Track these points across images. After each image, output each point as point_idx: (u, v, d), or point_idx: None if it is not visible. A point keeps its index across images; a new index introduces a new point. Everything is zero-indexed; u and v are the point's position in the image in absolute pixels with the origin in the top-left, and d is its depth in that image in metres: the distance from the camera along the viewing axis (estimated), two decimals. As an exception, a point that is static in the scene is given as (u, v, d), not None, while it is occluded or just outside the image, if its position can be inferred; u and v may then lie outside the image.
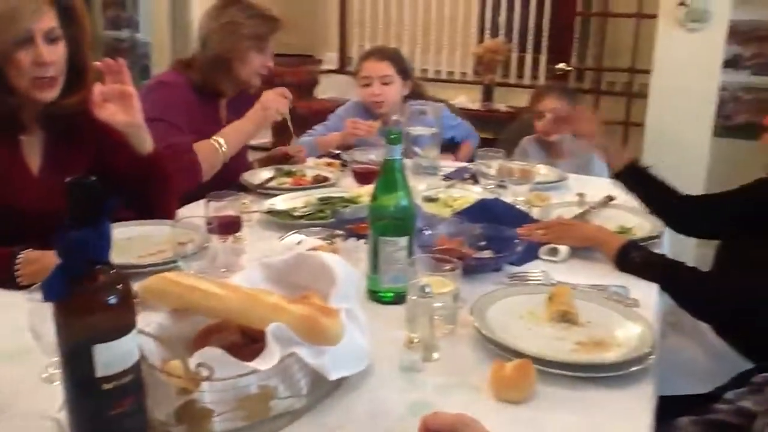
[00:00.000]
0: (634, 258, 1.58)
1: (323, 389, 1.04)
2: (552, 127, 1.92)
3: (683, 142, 3.08)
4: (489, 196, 2.00)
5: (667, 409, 1.38)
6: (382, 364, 1.15)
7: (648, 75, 3.31)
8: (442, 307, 1.25)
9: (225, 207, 1.50)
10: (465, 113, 3.52)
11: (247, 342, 1.06)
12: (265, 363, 0.94)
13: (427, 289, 1.17)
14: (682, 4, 2.93)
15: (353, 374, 1.07)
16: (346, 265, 1.16)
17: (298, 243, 1.61)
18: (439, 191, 2.11)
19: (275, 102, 2.22)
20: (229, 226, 1.49)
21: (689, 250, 2.93)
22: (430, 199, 2.05)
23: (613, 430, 1.03)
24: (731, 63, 3.62)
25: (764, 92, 3.72)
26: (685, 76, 3.04)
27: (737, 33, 3.60)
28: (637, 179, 1.93)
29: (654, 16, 3.14)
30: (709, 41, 2.99)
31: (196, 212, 1.64)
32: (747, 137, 3.66)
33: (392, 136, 1.32)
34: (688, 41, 2.99)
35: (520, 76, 4.95)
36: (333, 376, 1.00)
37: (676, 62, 3.03)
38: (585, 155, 2.79)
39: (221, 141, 2.14)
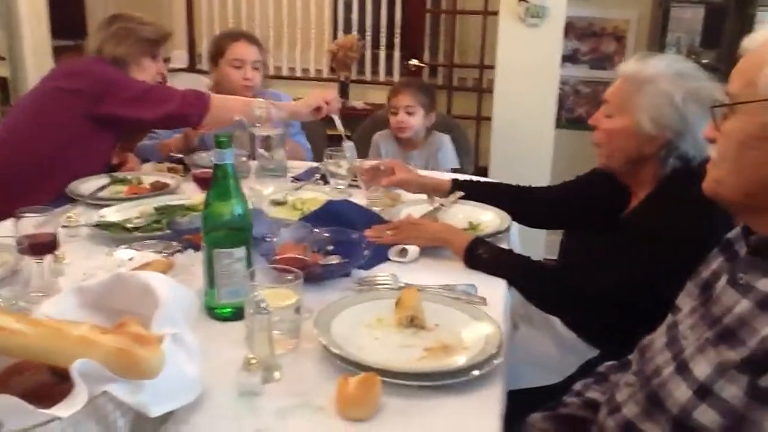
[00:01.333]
0: (482, 255, 1.57)
1: (147, 428, 0.93)
2: (369, 179, 1.89)
3: (528, 134, 3.18)
4: (339, 197, 1.94)
5: (520, 403, 1.37)
6: (219, 391, 1.06)
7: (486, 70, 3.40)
8: (283, 320, 1.17)
9: (38, 223, 1.34)
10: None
11: (58, 381, 0.93)
12: (68, 407, 0.81)
13: (263, 304, 1.08)
14: (522, 0, 3.01)
15: (182, 407, 0.97)
16: (173, 284, 1.05)
17: (130, 259, 1.47)
18: (287, 194, 2.03)
19: (334, 102, 2.38)
20: (42, 246, 1.33)
21: (540, 238, 3.03)
22: (278, 203, 1.96)
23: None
24: (570, 58, 3.80)
25: (602, 85, 3.93)
26: (527, 71, 3.13)
27: (575, 29, 3.78)
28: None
29: (497, 13, 3.22)
30: (548, 37, 3.10)
31: (9, 230, 1.46)
32: (587, 128, 3.86)
33: (221, 140, 1.21)
34: (529, 37, 3.08)
35: (375, 72, 4.95)
36: (155, 413, 0.90)
37: (518, 57, 3.12)
38: (435, 145, 2.82)
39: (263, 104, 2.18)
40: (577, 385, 1.39)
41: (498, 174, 3.03)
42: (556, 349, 1.74)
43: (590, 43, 3.94)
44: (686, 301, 1.19)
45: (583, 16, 3.74)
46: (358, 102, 4.74)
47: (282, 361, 1.12)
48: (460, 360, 1.13)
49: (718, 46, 3.76)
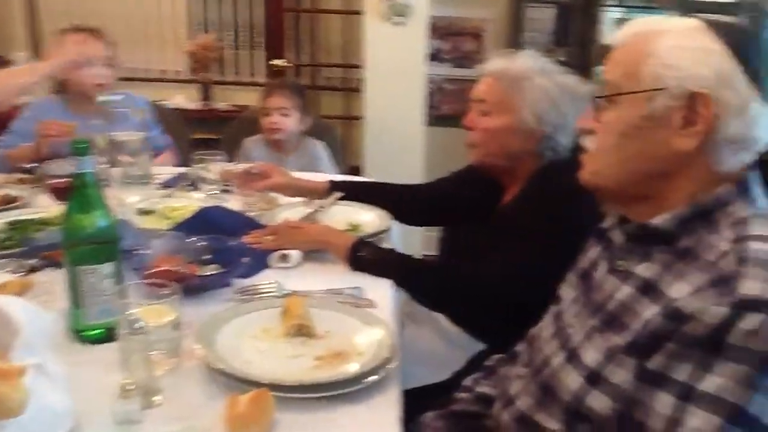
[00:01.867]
0: (365, 256, 1.54)
1: (10, 473, 0.82)
2: (243, 184, 1.81)
3: (399, 133, 3.19)
4: (211, 203, 1.84)
5: (411, 403, 1.35)
6: (93, 422, 0.96)
7: (361, 70, 3.39)
8: (161, 339, 1.08)
9: None
10: (184, 114, 3.29)
11: None
12: None
13: (138, 323, 0.99)
14: (386, -1, 3.02)
15: (51, 445, 0.86)
16: (30, 307, 0.94)
17: (-23, 282, 1.32)
18: (155, 202, 1.90)
19: None
20: None
21: (416, 235, 3.06)
22: (145, 212, 1.83)
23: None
24: (434, 57, 3.87)
25: (465, 83, 4.04)
26: (395, 70, 3.14)
27: (438, 28, 3.85)
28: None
29: (359, 12, 3.21)
30: (413, 35, 3.12)
31: None
32: (455, 125, 3.95)
33: (79, 146, 1.10)
34: (394, 35, 3.09)
35: (238, 73, 4.82)
36: (20, 456, 0.79)
37: (385, 56, 3.12)
38: (309, 151, 2.76)
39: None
40: (467, 381, 1.40)
41: (371, 173, 3.02)
42: (442, 346, 1.75)
43: (452, 42, 4.03)
44: (568, 290, 1.22)
45: (445, 16, 3.82)
46: (223, 103, 4.60)
47: (162, 384, 1.03)
48: (353, 367, 1.09)
49: (568, 44, 3.97)
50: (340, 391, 1.02)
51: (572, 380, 1.02)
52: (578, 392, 1.01)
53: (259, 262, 1.51)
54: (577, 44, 3.92)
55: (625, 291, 1.03)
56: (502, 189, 1.77)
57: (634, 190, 1.03)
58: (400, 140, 3.17)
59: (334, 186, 1.96)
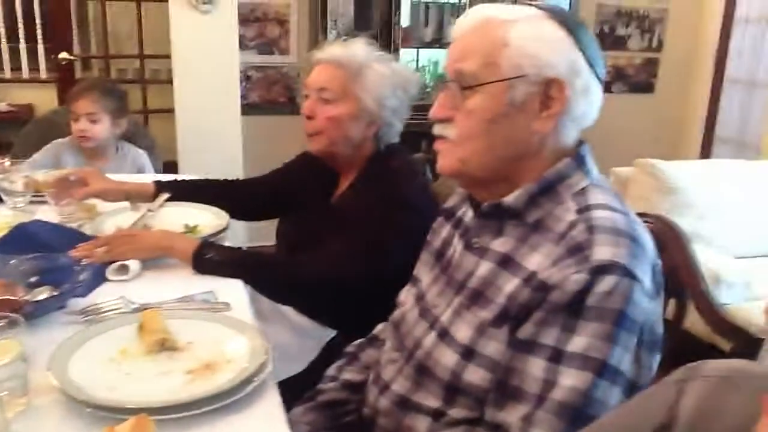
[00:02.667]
0: (212, 258, 1.48)
1: None
2: (59, 193, 1.64)
3: (215, 124, 3.08)
4: (24, 218, 1.66)
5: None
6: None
7: (161, 60, 3.22)
8: (8, 378, 0.96)
9: None
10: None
11: None
12: None
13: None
14: (191, -14, 2.89)
15: None
16: None
17: None
18: (-47, 222, 1.67)
19: None
20: None
21: (242, 230, 2.99)
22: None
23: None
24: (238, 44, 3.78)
25: (270, 69, 4.00)
26: (206, 59, 3.02)
27: (239, 14, 3.76)
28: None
29: (161, 0, 3.04)
30: (222, 22, 3.02)
31: None
32: (266, 113, 3.90)
33: None
34: (203, 23, 2.97)
35: (18, 69, 4.36)
36: None
37: (195, 45, 2.99)
38: (130, 158, 2.57)
39: None
40: (331, 370, 1.40)
41: (189, 168, 2.89)
42: (293, 338, 1.74)
43: (255, 28, 3.96)
44: (424, 271, 1.26)
45: (246, 2, 3.73)
46: (1, 103, 4.16)
47: (16, 427, 0.92)
48: (227, 376, 1.04)
49: (370, 28, 4.07)
50: (224, 402, 0.98)
51: (448, 358, 1.06)
52: (455, 368, 1.05)
53: (97, 276, 1.39)
54: (379, 28, 4.03)
55: (484, 267, 1.08)
56: (337, 176, 1.78)
57: (495, 173, 1.08)
58: (216, 132, 3.07)
59: (161, 187, 1.85)
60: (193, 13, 2.91)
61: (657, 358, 1.01)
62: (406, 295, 1.28)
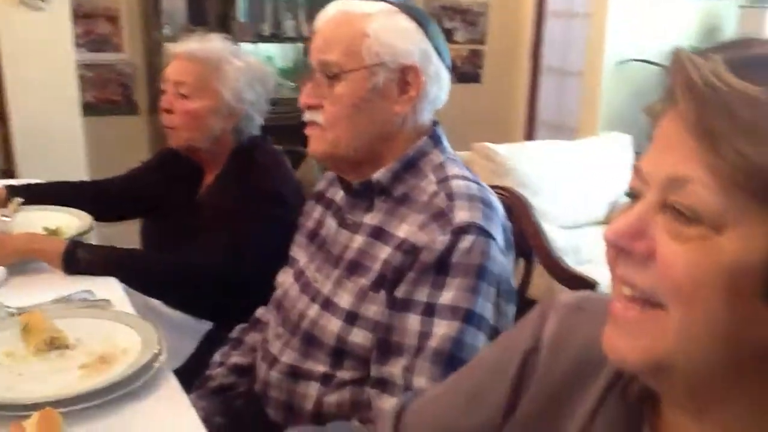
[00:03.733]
0: (83, 258, 1.47)
1: None
2: None
3: (55, 127, 2.93)
4: None
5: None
6: None
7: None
8: None
9: None
10: None
11: None
12: None
13: None
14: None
15: None
16: None
17: None
18: None
19: None
20: None
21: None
22: None
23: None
24: (69, 42, 3.61)
25: (103, 67, 3.85)
26: (40, 59, 2.86)
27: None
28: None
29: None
30: (55, 20, 2.87)
31: None
32: (105, 114, 3.75)
33: None
34: (35, 22, 2.81)
35: None
36: None
37: (26, 45, 2.82)
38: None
39: None
40: (217, 357, 1.45)
41: (29, 174, 2.73)
42: (168, 334, 1.74)
43: (84, 25, 3.79)
44: (300, 251, 1.35)
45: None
46: None
47: None
48: (125, 365, 1.08)
49: (207, 23, 4.03)
50: (125, 391, 1.01)
51: (333, 324, 1.17)
52: (340, 333, 1.15)
53: (-39, 286, 1.34)
54: (215, 22, 4.00)
55: (359, 240, 1.20)
56: (201, 171, 1.82)
57: (363, 153, 1.19)
58: (56, 135, 2.92)
59: (13, 191, 1.79)
60: (23, 12, 2.76)
61: (512, 308, 1.17)
62: (285, 277, 1.36)
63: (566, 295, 0.79)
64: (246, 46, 4.02)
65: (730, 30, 4.03)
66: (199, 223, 1.66)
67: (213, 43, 1.71)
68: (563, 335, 0.74)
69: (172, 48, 1.73)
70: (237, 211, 1.60)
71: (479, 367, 0.82)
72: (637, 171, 0.59)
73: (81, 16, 3.77)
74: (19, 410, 0.94)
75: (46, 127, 2.89)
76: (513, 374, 0.76)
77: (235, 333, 1.47)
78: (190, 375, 1.45)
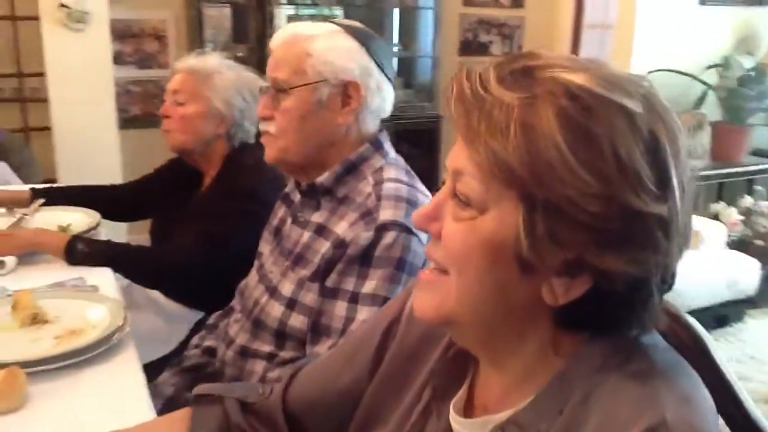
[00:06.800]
0: (82, 249, 1.66)
1: None
2: None
3: (93, 139, 3.18)
4: None
5: (149, 373, 1.54)
6: None
7: (40, 78, 3.28)
8: None
9: None
10: None
11: None
12: None
13: None
14: (63, 6, 2.99)
15: None
16: None
17: None
18: None
19: None
20: None
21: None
22: None
23: (113, 392, 1.14)
24: (116, 60, 3.90)
25: (149, 83, 4.13)
26: (80, 76, 3.12)
27: (115, 31, 3.88)
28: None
29: (35, 18, 3.13)
30: (95, 40, 3.13)
31: None
32: (147, 126, 4.02)
33: None
34: (76, 42, 3.08)
35: None
36: None
37: (68, 63, 3.09)
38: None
39: None
40: (194, 340, 1.62)
41: (69, 182, 2.98)
42: (163, 323, 1.92)
43: (132, 44, 4.08)
44: (265, 246, 1.51)
45: (121, 18, 3.85)
46: None
47: None
48: (92, 336, 1.25)
49: (247, 41, 4.27)
50: (88, 355, 1.18)
51: (276, 310, 1.31)
52: (281, 317, 1.30)
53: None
54: (254, 41, 4.24)
55: (306, 236, 1.34)
56: (202, 176, 2.00)
57: (310, 159, 1.34)
58: (93, 147, 3.18)
59: (36, 193, 2.01)
60: (65, 32, 3.03)
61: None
62: (253, 269, 1.52)
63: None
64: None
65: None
66: (190, 223, 1.83)
67: (209, 58, 1.90)
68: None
69: (176, 64, 1.93)
70: (213, 210, 1.77)
71: (358, 335, 0.95)
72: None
73: (131, 35, 4.08)
74: (-9, 368, 1.11)
75: (86, 140, 3.14)
76: (378, 340, 0.89)
77: (211, 319, 1.64)
78: (177, 357, 1.63)
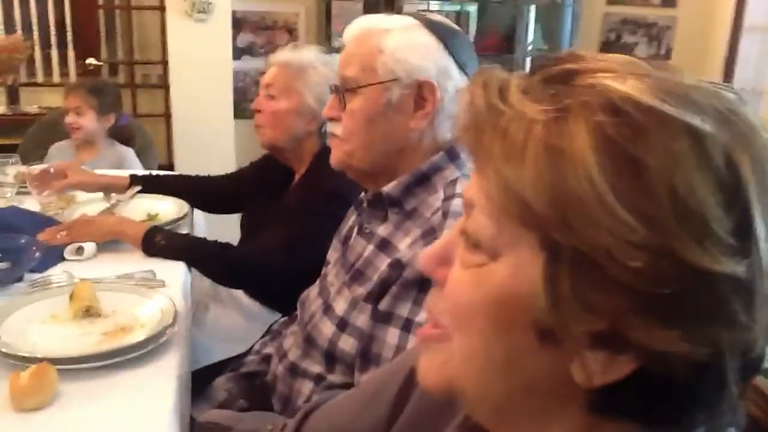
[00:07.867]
0: (159, 241, 1.64)
1: None
2: (40, 185, 1.84)
3: (209, 128, 3.25)
4: (6, 205, 1.86)
5: (210, 375, 1.49)
6: None
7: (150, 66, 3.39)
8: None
9: None
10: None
11: None
12: None
13: None
14: (188, -5, 3.08)
15: None
16: None
17: None
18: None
19: None
20: None
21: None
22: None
23: (138, 407, 1.07)
24: (247, 51, 3.98)
25: (281, 75, 4.17)
26: (200, 66, 3.19)
27: (248, 23, 3.96)
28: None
29: (157, 9, 3.23)
30: (216, 31, 3.20)
31: None
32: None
33: None
34: (197, 32, 3.15)
35: (49, 74, 4.64)
36: None
37: (189, 53, 3.17)
38: (118, 157, 2.78)
39: None
40: (256, 345, 1.56)
41: (185, 169, 3.07)
42: (242, 321, 1.88)
43: (264, 36, 4.14)
44: (332, 254, 1.40)
45: (254, 11, 3.92)
46: (32, 107, 4.42)
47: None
48: (138, 337, 1.20)
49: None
50: (121, 358, 1.13)
51: (327, 328, 1.20)
52: (332, 338, 1.19)
53: (53, 256, 1.57)
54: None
55: (369, 249, 1.22)
56: (293, 173, 1.94)
57: (378, 166, 1.22)
58: (209, 135, 3.24)
59: (134, 180, 2.04)
60: (188, 23, 3.10)
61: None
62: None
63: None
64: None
65: None
66: (277, 221, 1.77)
67: (304, 52, 1.82)
68: None
69: (271, 58, 1.87)
70: (297, 210, 1.70)
71: (378, 378, 0.83)
72: None
73: (263, 27, 4.14)
74: (26, 361, 1.09)
75: (203, 129, 3.21)
76: (397, 389, 0.76)
77: (276, 325, 1.57)
78: (239, 359, 1.57)
